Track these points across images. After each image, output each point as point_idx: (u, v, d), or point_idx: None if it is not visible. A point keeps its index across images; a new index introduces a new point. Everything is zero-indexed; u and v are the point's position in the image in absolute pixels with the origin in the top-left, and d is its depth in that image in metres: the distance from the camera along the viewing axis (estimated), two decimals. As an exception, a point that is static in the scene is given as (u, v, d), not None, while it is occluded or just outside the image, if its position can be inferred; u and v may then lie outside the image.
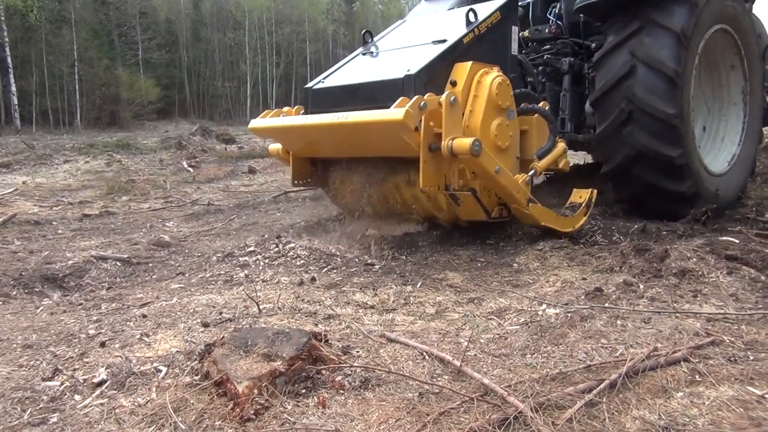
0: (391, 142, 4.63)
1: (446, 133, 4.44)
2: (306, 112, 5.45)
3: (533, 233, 5.33)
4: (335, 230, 5.71)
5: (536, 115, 5.37)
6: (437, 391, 2.53)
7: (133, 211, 9.25)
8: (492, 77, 4.86)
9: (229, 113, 59.38)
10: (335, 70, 5.71)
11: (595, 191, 5.51)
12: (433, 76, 4.78)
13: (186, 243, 6.48)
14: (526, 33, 7.07)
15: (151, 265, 5.49)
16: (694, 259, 4.13)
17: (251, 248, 5.44)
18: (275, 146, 6.03)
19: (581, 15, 6.47)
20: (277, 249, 5.27)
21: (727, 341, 2.88)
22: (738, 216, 5.84)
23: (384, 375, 2.70)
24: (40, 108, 42.81)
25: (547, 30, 6.91)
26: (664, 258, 4.21)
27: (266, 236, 5.99)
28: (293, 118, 5.32)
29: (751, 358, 2.68)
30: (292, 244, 5.31)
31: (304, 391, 2.53)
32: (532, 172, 5.11)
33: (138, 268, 5.37)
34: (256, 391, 2.44)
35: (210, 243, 6.44)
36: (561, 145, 5.46)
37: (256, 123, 5.76)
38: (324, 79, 5.58)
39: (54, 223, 8.11)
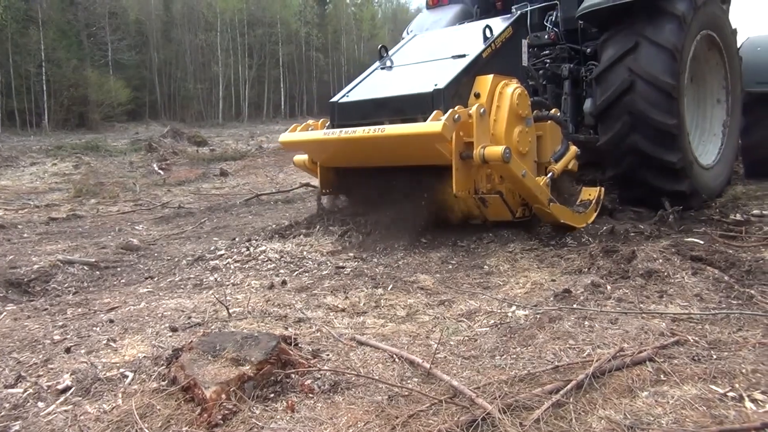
0: (426, 152, 4.93)
1: (477, 142, 4.77)
2: (332, 125, 5.73)
3: (504, 235, 5.38)
4: (307, 233, 5.68)
5: (549, 121, 5.68)
6: (406, 393, 2.53)
7: (101, 214, 9.12)
8: (512, 88, 5.23)
9: (201, 115, 58.85)
10: (357, 85, 6.01)
11: (603, 189, 5.92)
12: (459, 89, 5.15)
13: (155, 246, 6.41)
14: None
15: (119, 269, 5.41)
16: (660, 260, 4.20)
17: (222, 251, 5.40)
18: (301, 157, 6.29)
19: (580, 22, 6.83)
20: (247, 252, 5.23)
21: (692, 341, 2.93)
22: (703, 218, 5.96)
23: (353, 378, 2.69)
24: (6, 109, 41.94)
25: (546, 36, 7.23)
26: (631, 259, 4.27)
27: (237, 239, 5.95)
28: (328, 132, 5.58)
29: (714, 357, 2.74)
30: (263, 248, 5.28)
31: (272, 395, 2.52)
32: (551, 174, 5.45)
33: (106, 272, 5.29)
34: (224, 396, 2.42)
35: (180, 246, 6.37)
36: (573, 148, 5.84)
37: (287, 137, 6.00)
38: (348, 93, 5.88)
39: (19, 226, 7.96)
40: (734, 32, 7.16)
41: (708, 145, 6.95)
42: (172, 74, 59.24)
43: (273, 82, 66.07)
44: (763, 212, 5.97)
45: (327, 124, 5.86)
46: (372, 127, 5.04)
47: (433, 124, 4.67)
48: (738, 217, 5.79)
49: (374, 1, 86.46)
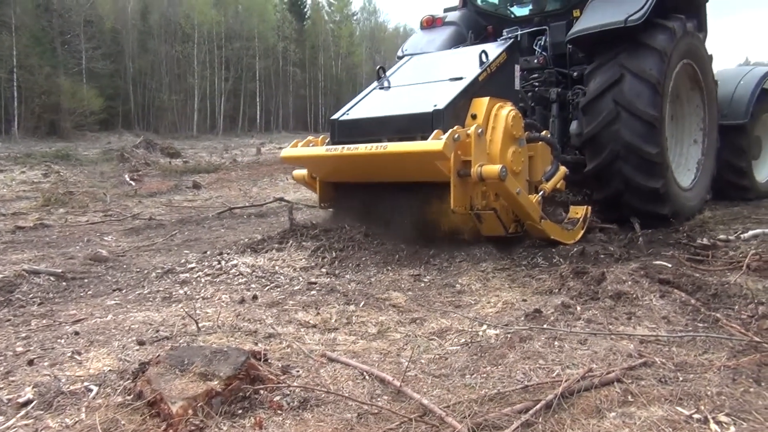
0: (425, 169, 5.14)
1: (475, 161, 4.99)
2: (332, 142, 5.93)
3: (476, 254, 5.41)
4: (279, 248, 5.65)
5: (540, 142, 5.91)
6: (376, 411, 2.52)
7: (70, 224, 8.96)
8: (507, 110, 5.45)
9: (175, 127, 58.31)
10: (356, 103, 6.24)
11: (590, 208, 6.17)
12: (456, 110, 5.38)
13: (124, 258, 6.31)
14: None
15: (86, 280, 5.31)
16: (629, 283, 4.25)
17: (192, 265, 5.34)
18: (300, 172, 6.47)
19: (568, 47, 7.23)
20: (219, 266, 5.18)
21: (659, 362, 2.97)
22: (671, 241, 6.05)
23: (323, 395, 2.67)
24: (-26, 115, 41.15)
25: (536, 60, 7.49)
26: (600, 281, 4.32)
27: (208, 253, 5.89)
28: (330, 148, 5.74)
29: (681, 379, 2.77)
30: (235, 261, 5.24)
31: (240, 411, 2.48)
32: (542, 192, 5.66)
33: (72, 283, 5.19)
34: (190, 411, 2.38)
35: (150, 259, 6.28)
36: (563, 168, 6.03)
37: (289, 152, 6.20)
38: (348, 111, 6.11)
39: (-16, 234, 7.77)
40: (716, 82, 7.67)
41: (682, 176, 7.26)
42: (147, 84, 58.72)
43: (249, 95, 65.87)
44: (729, 237, 6.09)
45: (327, 141, 6.04)
46: (374, 144, 5.24)
47: (434, 143, 4.86)
48: (705, 241, 5.88)
49: (353, 19, 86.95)
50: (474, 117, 5.38)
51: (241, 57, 63.94)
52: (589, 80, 6.57)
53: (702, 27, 7.50)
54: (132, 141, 29.81)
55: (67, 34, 49.52)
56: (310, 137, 6.32)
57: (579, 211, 6.11)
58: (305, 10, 78.32)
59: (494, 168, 4.92)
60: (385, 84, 6.44)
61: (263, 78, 67.38)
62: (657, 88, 6.19)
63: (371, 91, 6.45)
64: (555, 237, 5.62)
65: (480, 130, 5.08)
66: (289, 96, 71.49)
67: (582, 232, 5.94)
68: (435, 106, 5.29)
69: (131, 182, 14.47)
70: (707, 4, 7.70)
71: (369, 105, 6.15)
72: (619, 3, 6.42)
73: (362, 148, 5.29)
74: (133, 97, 57.50)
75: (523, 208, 5.32)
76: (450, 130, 4.88)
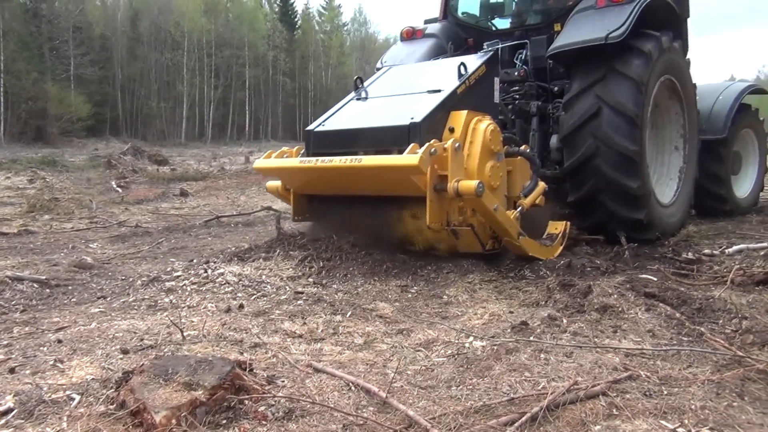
0: (401, 183, 5.04)
1: (452, 176, 4.91)
2: (307, 153, 5.80)
3: (464, 266, 5.41)
4: (266, 257, 5.63)
5: (519, 157, 5.86)
6: (362, 422, 2.51)
7: (55, 230, 8.89)
8: (485, 125, 5.37)
9: (164, 134, 58.09)
10: (332, 114, 6.10)
11: (569, 223, 6.12)
12: (434, 123, 5.28)
13: (109, 266, 6.26)
14: None
15: (70, 287, 5.26)
16: (615, 296, 4.27)
17: (178, 273, 5.30)
18: (274, 183, 6.29)
19: (548, 61, 7.15)
20: (205, 274, 5.15)
21: (644, 376, 2.97)
22: (657, 255, 6.10)
23: (308, 406, 2.65)
24: (-41, 120, 40.81)
25: (516, 73, 7.42)
26: (587, 294, 4.33)
27: (195, 261, 5.86)
28: (304, 160, 5.64)
29: (665, 392, 2.78)
30: (221, 270, 5.21)
31: (224, 421, 2.46)
32: (520, 208, 5.59)
33: (56, 290, 5.14)
34: (174, 421, 2.36)
35: (135, 266, 6.24)
36: (542, 184, 5.97)
37: (262, 163, 6.06)
38: (323, 122, 5.96)
39: (-33, 240, 7.69)
40: (694, 86, 7.66)
41: (664, 188, 7.27)
42: (135, 91, 58.50)
43: (238, 104, 65.79)
44: (714, 252, 6.14)
45: (302, 152, 5.93)
46: (349, 157, 5.13)
47: (410, 157, 4.77)
48: (690, 255, 5.94)
49: (343, 30, 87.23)
50: (451, 131, 5.30)
51: (230, 65, 63.90)
52: (566, 109, 6.49)
53: (680, 36, 7.40)
54: (119, 148, 29.70)
55: (56, 40, 49.28)
56: (284, 148, 6.21)
57: (558, 227, 6.04)
58: (296, 19, 78.52)
59: (471, 184, 4.85)
60: (363, 95, 6.31)
61: (253, 87, 67.34)
62: (635, 121, 6.13)
63: (348, 101, 6.33)
64: (533, 254, 5.55)
65: (457, 145, 5.02)
66: (279, 105, 71.48)
67: (561, 248, 5.88)
68: (412, 118, 5.20)
69: (118, 189, 14.40)
70: (688, 20, 7.70)
71: (345, 116, 6.03)
72: (600, 18, 6.35)
73: (336, 161, 5.18)
74: (122, 104, 57.27)
75: (501, 224, 5.25)
76: (426, 144, 4.80)
